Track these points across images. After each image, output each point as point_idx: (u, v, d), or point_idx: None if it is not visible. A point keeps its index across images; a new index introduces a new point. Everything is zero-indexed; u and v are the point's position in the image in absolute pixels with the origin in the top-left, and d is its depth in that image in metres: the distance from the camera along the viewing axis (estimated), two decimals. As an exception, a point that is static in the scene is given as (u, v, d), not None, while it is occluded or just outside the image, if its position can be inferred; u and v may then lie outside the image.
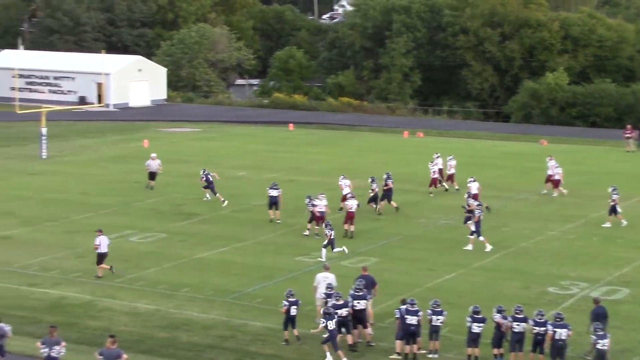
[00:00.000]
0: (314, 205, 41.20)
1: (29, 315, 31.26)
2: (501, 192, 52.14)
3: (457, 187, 51.20)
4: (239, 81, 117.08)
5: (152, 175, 51.93)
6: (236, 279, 35.22)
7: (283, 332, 28.85)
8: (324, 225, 39.13)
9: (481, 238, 39.69)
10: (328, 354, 27.41)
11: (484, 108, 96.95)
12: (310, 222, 41.70)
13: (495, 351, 27.15)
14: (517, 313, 26.99)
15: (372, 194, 46.67)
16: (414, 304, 27.65)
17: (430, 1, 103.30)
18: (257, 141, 71.86)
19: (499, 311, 27.22)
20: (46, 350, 24.70)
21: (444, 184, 52.12)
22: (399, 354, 27.79)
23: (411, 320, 27.44)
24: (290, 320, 28.77)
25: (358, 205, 42.45)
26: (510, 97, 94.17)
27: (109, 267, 35.41)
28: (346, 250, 38.37)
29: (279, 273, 35.88)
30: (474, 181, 47.04)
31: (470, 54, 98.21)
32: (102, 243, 35.17)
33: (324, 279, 30.04)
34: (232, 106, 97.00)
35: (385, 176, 46.85)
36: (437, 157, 52.61)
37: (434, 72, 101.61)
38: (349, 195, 43.11)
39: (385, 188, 46.53)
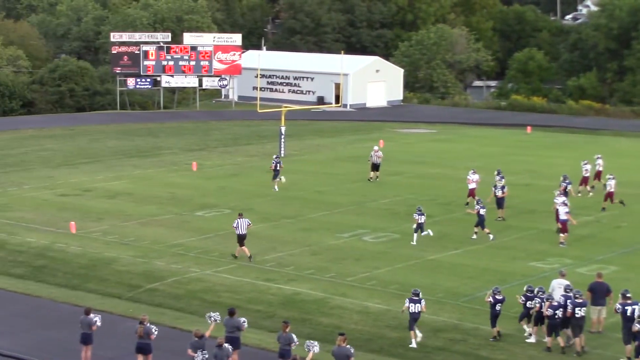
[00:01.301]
0: (482, 208, 40.97)
1: (264, 310, 32.03)
2: None
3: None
4: (477, 83, 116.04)
5: (375, 167, 53.86)
6: (468, 282, 34.76)
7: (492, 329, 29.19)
8: (417, 210, 40.32)
9: None
10: (413, 340, 28.71)
11: None
12: (477, 225, 41.01)
13: None
14: None
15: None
16: None
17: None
18: (493, 144, 70.86)
19: None
20: (279, 345, 25.23)
21: (588, 187, 50.35)
22: (629, 358, 26.89)
23: (648, 332, 26.39)
24: (495, 317, 28.94)
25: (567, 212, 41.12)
26: None
27: (236, 252, 37.46)
28: (431, 233, 39.96)
29: (512, 278, 35.13)
30: (613, 179, 46.48)
31: None
32: (240, 225, 37.16)
33: (559, 286, 29.48)
34: (469, 108, 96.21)
35: (562, 178, 46.47)
36: (598, 159, 51.66)
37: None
38: (557, 192, 42.56)
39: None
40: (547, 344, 28.22)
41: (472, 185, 47.21)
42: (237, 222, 37.44)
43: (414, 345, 28.65)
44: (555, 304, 27.99)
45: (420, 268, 36.70)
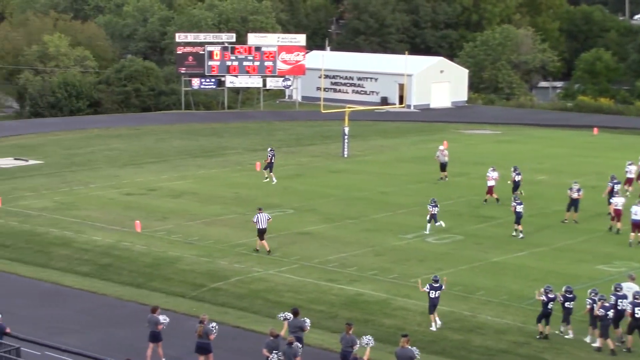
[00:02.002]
0: (519, 204, 41.16)
1: (327, 310, 32.02)
2: None
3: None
4: (542, 83, 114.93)
5: (443, 167, 54.30)
6: (533, 285, 34.31)
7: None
8: (430, 202, 41.88)
9: None
10: (433, 323, 29.97)
11: None
12: (515, 222, 41.21)
13: None
14: None
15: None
16: None
17: None
18: (559, 145, 70.09)
19: None
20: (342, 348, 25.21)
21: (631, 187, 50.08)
22: None
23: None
24: (544, 316, 29.06)
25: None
26: None
27: (257, 246, 38.51)
28: (443, 224, 41.55)
29: (578, 280, 34.68)
30: (632, 164, 47.01)
31: None
32: (260, 220, 38.00)
33: (628, 290, 29.08)
34: (534, 109, 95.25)
35: (610, 178, 46.42)
36: None
37: None
38: (614, 192, 43.17)
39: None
40: (610, 346, 27.85)
41: (491, 183, 47.72)
42: (257, 217, 38.39)
43: (433, 328, 29.77)
44: (607, 304, 27.86)
45: (484, 270, 36.43)
